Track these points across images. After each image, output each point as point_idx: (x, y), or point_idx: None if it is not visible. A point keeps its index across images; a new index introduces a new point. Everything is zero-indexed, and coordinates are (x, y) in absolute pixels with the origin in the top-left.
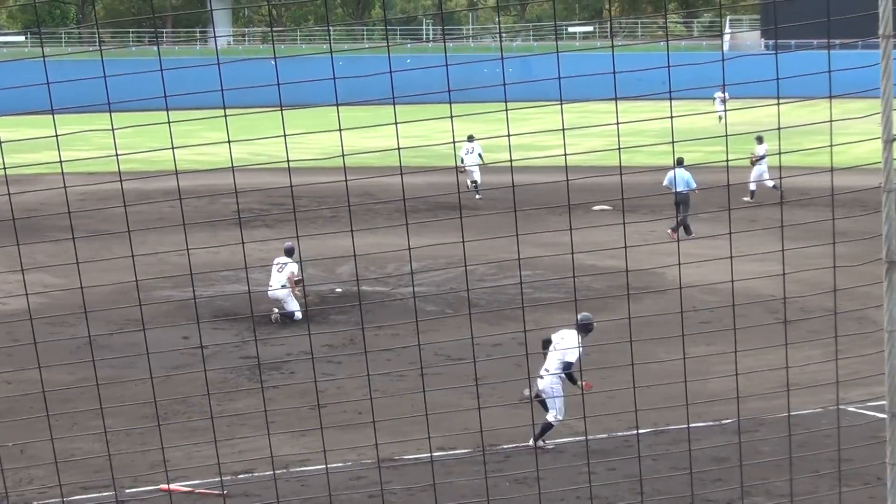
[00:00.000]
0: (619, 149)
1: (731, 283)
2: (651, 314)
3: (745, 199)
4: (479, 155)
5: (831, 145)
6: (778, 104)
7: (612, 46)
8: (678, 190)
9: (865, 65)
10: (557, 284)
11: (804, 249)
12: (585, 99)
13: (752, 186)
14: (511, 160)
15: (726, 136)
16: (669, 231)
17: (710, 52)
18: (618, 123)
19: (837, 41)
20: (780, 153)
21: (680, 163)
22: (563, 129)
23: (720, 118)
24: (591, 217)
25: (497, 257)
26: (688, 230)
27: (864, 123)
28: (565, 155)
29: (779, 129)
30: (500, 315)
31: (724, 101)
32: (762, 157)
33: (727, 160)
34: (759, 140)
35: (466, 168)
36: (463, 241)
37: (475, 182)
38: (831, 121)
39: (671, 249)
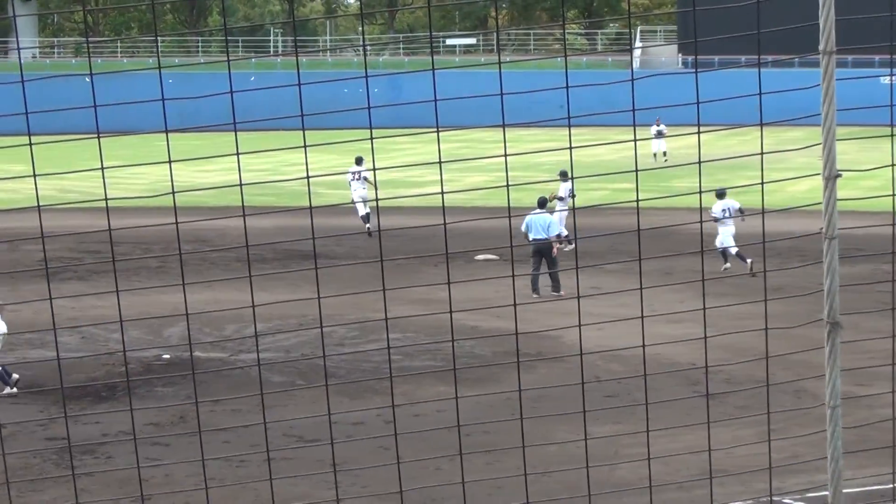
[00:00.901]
0: (508, 185)
1: (643, 349)
2: (546, 386)
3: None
4: (365, 178)
5: (762, 182)
6: (699, 133)
7: (500, 62)
8: (535, 237)
9: (803, 86)
10: (432, 350)
11: (730, 308)
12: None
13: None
14: (377, 199)
15: (636, 171)
16: (533, 293)
17: (616, 69)
18: (506, 155)
19: (770, 58)
20: (700, 192)
21: (541, 204)
22: (441, 162)
23: (656, 156)
24: (474, 268)
25: (360, 317)
26: (557, 287)
27: (803, 156)
28: (442, 193)
29: (699, 162)
30: (362, 387)
31: (661, 133)
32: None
33: (637, 199)
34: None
35: (354, 201)
36: (318, 298)
37: (366, 217)
38: (762, 153)
39: (569, 308)
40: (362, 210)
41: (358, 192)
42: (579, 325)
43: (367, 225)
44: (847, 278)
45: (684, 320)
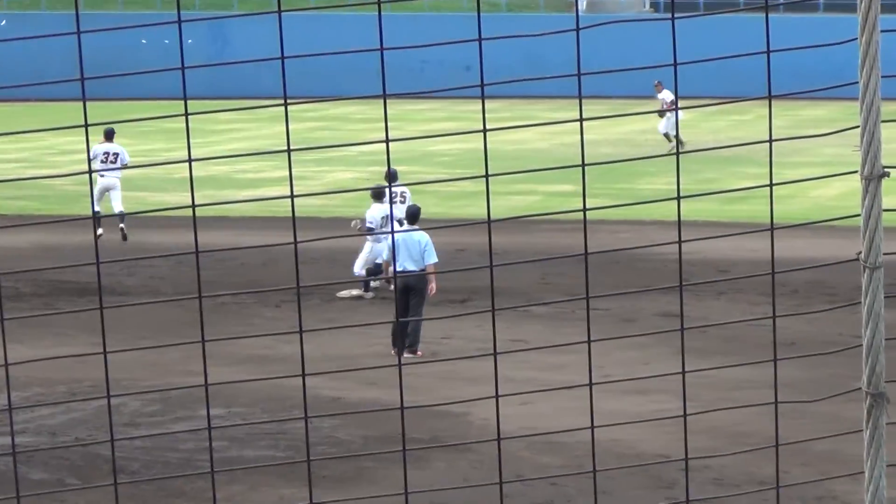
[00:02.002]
0: (390, 186)
1: (591, 433)
2: (445, 488)
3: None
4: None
5: (771, 184)
6: (676, 109)
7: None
8: (404, 267)
9: (833, 41)
10: (273, 433)
11: (720, 372)
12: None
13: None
14: (194, 206)
15: (582, 165)
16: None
17: (553, 13)
18: (387, 140)
19: None
20: (678, 197)
21: (413, 217)
22: (289, 150)
23: (669, 137)
24: (336, 310)
25: (162, 382)
26: (412, 342)
27: (832, 145)
28: (292, 196)
29: (677, 153)
30: (166, 489)
31: (668, 106)
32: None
33: (584, 209)
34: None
35: (103, 192)
36: (104, 353)
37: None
38: (771, 140)
39: (479, 370)
40: (116, 203)
41: (107, 178)
42: (496, 397)
43: (122, 225)
44: None
45: (652, 390)
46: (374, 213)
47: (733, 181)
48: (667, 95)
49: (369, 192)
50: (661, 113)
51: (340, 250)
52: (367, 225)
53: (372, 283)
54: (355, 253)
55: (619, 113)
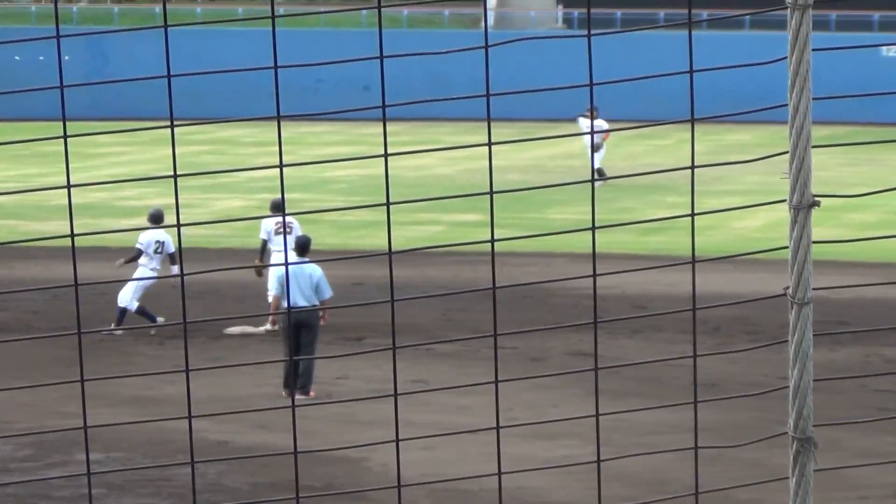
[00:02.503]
0: (284, 214)
1: (498, 480)
2: None
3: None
4: None
5: (693, 214)
6: (591, 133)
7: (273, 16)
8: (296, 304)
9: (759, 60)
10: (156, 480)
11: (636, 415)
12: (217, 119)
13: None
14: (73, 234)
15: (490, 192)
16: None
17: (458, 29)
18: (282, 166)
19: (704, 14)
20: (593, 227)
21: (303, 248)
22: (176, 176)
23: (602, 173)
24: (223, 348)
25: (35, 425)
26: (305, 383)
27: (757, 172)
28: (178, 225)
29: (592, 181)
30: None
31: (604, 136)
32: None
33: (492, 239)
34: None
35: None
36: None
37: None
38: (693, 167)
39: (377, 413)
40: None
41: None
42: (396, 441)
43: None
44: (826, 369)
45: (561, 434)
46: (147, 236)
47: (651, 211)
48: (602, 124)
49: (260, 221)
50: (599, 144)
51: (229, 284)
52: (137, 246)
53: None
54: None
55: (530, 137)
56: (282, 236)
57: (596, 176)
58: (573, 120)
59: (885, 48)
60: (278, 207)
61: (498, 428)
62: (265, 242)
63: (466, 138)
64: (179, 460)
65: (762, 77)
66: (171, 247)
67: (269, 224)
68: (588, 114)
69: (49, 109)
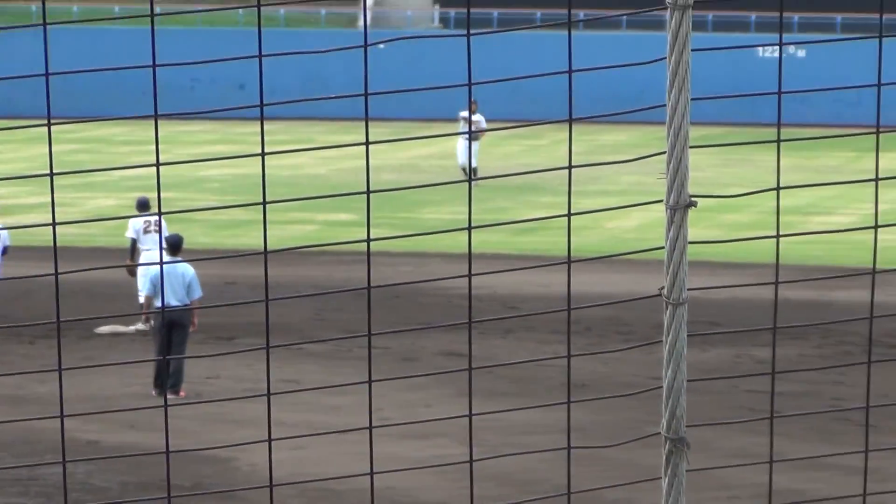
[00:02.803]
0: (161, 213)
1: (371, 480)
2: None
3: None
4: None
5: (569, 214)
6: (469, 133)
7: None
8: (169, 303)
9: (637, 61)
10: (24, 480)
11: (508, 415)
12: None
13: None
14: None
15: (367, 192)
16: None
17: (333, 28)
18: (159, 164)
19: (581, 14)
20: (469, 228)
21: (175, 246)
22: (54, 174)
23: (464, 170)
24: (93, 347)
25: None
26: (175, 382)
27: (632, 173)
28: (53, 224)
29: (469, 181)
30: None
31: (473, 127)
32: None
33: (367, 239)
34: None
35: None
36: None
37: None
38: (571, 167)
39: (247, 413)
40: None
41: None
42: (268, 441)
43: None
44: (698, 369)
45: (433, 434)
46: (134, 223)
47: (525, 211)
48: (481, 119)
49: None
50: (477, 136)
51: (100, 283)
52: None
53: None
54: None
55: (406, 136)
56: (150, 235)
57: (473, 175)
58: (450, 119)
59: (761, 49)
60: (144, 205)
61: (371, 428)
62: (134, 242)
63: (340, 137)
64: (48, 460)
65: (639, 77)
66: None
67: (138, 223)
68: (469, 111)
69: None
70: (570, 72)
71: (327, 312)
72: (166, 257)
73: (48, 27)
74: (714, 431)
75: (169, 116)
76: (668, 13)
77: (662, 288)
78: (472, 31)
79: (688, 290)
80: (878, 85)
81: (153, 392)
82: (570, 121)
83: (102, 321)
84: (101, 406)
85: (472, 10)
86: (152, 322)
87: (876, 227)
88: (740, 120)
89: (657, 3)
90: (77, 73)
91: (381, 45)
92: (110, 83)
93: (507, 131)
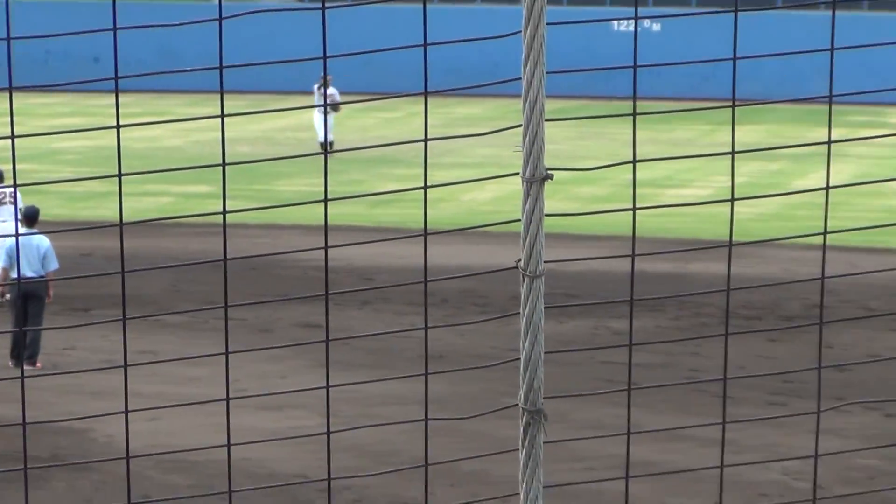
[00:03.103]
0: (15, 185)
1: (228, 451)
2: None
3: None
4: None
5: (426, 187)
6: (325, 107)
7: None
8: (25, 275)
9: (491, 35)
10: None
11: (364, 387)
12: None
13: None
14: None
15: (223, 164)
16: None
17: (191, 2)
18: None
19: None
20: (325, 200)
21: (31, 218)
22: None
23: (322, 145)
24: None
25: None
26: (32, 353)
27: (487, 145)
28: None
29: (325, 153)
30: None
31: (328, 100)
32: None
33: (224, 212)
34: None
35: None
36: None
37: None
38: (427, 140)
39: (104, 384)
40: None
41: None
42: (125, 413)
43: None
44: (555, 341)
45: (288, 405)
46: None
47: (381, 183)
48: (335, 93)
49: None
50: (336, 107)
51: None
52: None
53: None
54: None
55: (261, 109)
56: (6, 206)
57: (328, 148)
58: (306, 92)
59: (616, 23)
60: None
61: (227, 400)
62: None
63: (196, 110)
64: None
65: (494, 51)
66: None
67: None
68: (324, 84)
69: None
70: (425, 45)
71: (184, 284)
72: (22, 229)
73: None
74: (572, 403)
75: (23, 89)
76: None
77: (519, 260)
78: (327, 5)
79: (545, 262)
80: (734, 59)
81: (10, 363)
82: (426, 94)
83: None
84: None
85: None
86: (8, 294)
87: (732, 199)
88: (596, 93)
89: None
90: None
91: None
92: None
93: (363, 104)
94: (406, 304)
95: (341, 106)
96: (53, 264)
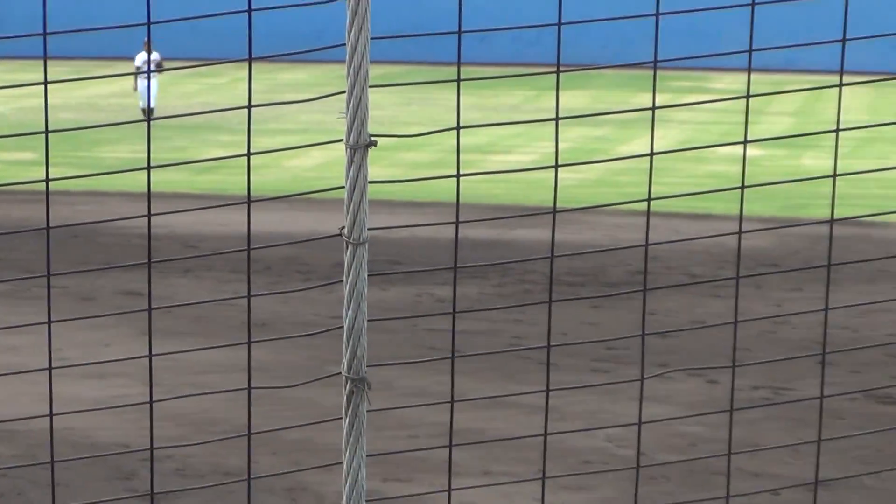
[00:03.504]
0: None
1: (50, 421)
2: None
3: None
4: None
5: (249, 153)
6: (149, 72)
7: None
8: None
9: (312, 1)
10: None
11: (187, 355)
12: None
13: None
14: None
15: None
16: None
17: None
18: None
19: None
20: (148, 167)
21: None
22: None
23: (144, 111)
24: None
25: None
26: None
27: (312, 111)
28: None
29: (148, 119)
30: None
31: (153, 66)
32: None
33: (47, 179)
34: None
35: None
36: None
37: None
38: (250, 106)
39: None
40: None
41: None
42: None
43: None
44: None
45: (110, 374)
46: None
47: (204, 150)
48: (157, 57)
49: None
50: (160, 69)
51: None
52: None
53: None
54: None
55: (87, 76)
56: None
57: (151, 115)
58: (130, 58)
59: None
60: None
61: (50, 369)
62: None
63: (20, 76)
64: None
65: (318, 16)
66: None
67: None
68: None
69: None
70: (249, 11)
71: (5, 252)
72: None
73: None
74: (396, 371)
75: None
76: None
77: (343, 227)
78: None
79: (368, 229)
80: (559, 24)
81: None
82: (250, 59)
83: None
84: None
85: None
86: None
87: (557, 166)
88: (421, 58)
89: None
90: None
91: None
92: None
93: (186, 70)
94: (230, 271)
95: (163, 72)
96: None
